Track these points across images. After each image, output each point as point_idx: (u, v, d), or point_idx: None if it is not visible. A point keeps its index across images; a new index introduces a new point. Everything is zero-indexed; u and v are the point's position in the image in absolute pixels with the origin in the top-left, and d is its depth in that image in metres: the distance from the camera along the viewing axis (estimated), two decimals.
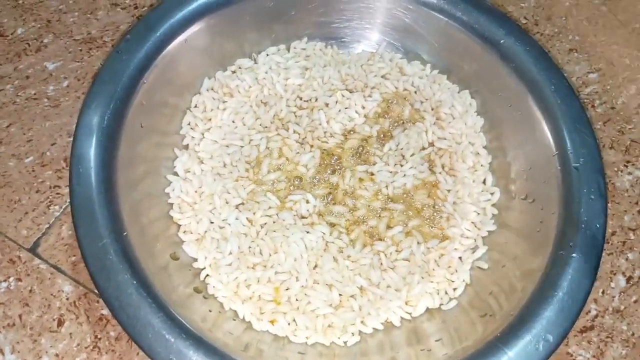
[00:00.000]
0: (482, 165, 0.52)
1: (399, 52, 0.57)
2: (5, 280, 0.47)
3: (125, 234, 0.40)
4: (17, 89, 0.56)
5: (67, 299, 0.47)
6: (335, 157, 0.51)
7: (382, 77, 0.56)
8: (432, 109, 0.54)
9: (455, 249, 0.48)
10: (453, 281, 0.47)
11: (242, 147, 0.51)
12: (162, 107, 0.50)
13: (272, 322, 0.44)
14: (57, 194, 0.51)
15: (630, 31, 0.65)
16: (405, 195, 0.50)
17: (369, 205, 0.49)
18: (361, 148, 0.52)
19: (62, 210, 0.50)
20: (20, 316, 0.46)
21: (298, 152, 0.51)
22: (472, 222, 0.49)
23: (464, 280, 0.47)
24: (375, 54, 0.57)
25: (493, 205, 0.50)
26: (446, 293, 0.47)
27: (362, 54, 0.58)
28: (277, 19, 0.55)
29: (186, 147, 0.51)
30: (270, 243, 0.46)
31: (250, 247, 0.46)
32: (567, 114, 0.47)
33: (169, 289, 0.41)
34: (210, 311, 0.43)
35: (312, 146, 0.51)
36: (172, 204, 0.48)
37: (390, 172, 0.50)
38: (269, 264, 0.46)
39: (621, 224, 0.53)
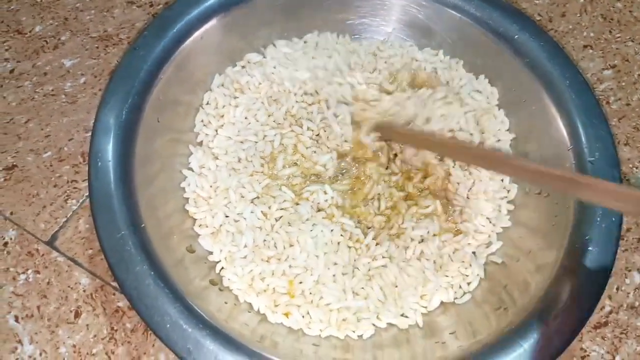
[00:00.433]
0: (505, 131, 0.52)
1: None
2: (23, 273, 0.48)
3: (142, 225, 0.41)
4: (35, 85, 0.57)
5: (84, 291, 0.47)
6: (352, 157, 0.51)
7: (392, 64, 0.56)
8: (456, 93, 0.54)
9: (469, 243, 0.48)
10: (467, 275, 0.47)
11: (256, 142, 0.51)
12: (176, 104, 0.50)
13: (286, 314, 0.44)
14: (75, 188, 0.51)
15: None
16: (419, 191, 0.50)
17: (386, 198, 0.49)
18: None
19: (79, 204, 0.51)
20: (38, 307, 0.46)
21: (315, 151, 0.51)
22: (487, 218, 0.49)
23: (478, 275, 0.47)
24: (385, 42, 0.57)
25: (509, 201, 0.50)
26: (460, 287, 0.47)
27: (372, 41, 0.57)
28: (290, 15, 0.55)
29: (200, 143, 0.51)
30: (285, 236, 0.46)
31: (265, 240, 0.47)
32: (581, 108, 0.47)
33: (186, 280, 0.41)
34: (225, 303, 0.44)
35: (328, 147, 0.51)
36: (187, 199, 0.48)
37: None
38: (284, 257, 0.46)
39: (636, 221, 0.53)
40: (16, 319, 0.46)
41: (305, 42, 0.56)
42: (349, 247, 0.47)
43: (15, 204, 0.50)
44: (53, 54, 0.59)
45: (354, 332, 0.44)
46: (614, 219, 0.42)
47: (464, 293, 0.47)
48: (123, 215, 0.40)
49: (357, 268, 0.46)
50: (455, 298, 0.46)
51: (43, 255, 0.48)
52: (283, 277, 0.45)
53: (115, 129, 0.43)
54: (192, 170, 0.50)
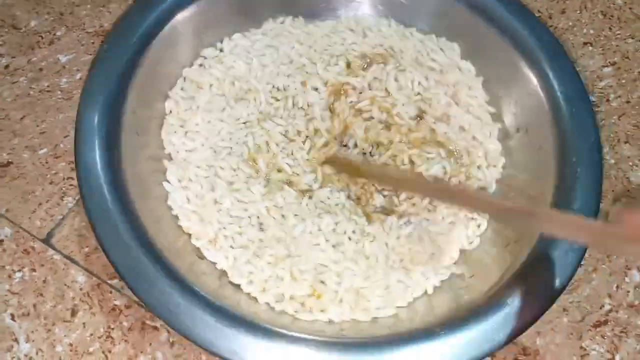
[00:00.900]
0: (483, 106, 0.54)
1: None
2: (19, 271, 0.47)
3: (150, 239, 0.41)
4: (31, 81, 0.56)
5: (81, 289, 0.47)
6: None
7: (350, 44, 0.56)
8: (414, 59, 0.55)
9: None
10: (475, 218, 0.48)
11: (231, 148, 0.50)
12: (150, 118, 0.50)
13: (322, 311, 0.44)
14: (71, 185, 0.51)
15: None
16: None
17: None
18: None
19: (75, 201, 0.50)
20: (34, 306, 0.46)
21: (284, 148, 0.50)
22: (482, 157, 0.51)
23: (484, 216, 0.49)
24: (338, 22, 0.57)
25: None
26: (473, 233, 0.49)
27: (325, 24, 0.57)
28: (243, 6, 0.55)
29: (169, 156, 0.50)
30: (290, 235, 0.46)
31: (268, 245, 0.46)
32: (542, 45, 0.51)
33: (203, 283, 0.42)
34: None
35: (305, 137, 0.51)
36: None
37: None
38: (294, 256, 0.46)
39: None
40: (12, 317, 0.45)
41: (263, 32, 0.55)
42: (355, 230, 0.47)
43: (10, 201, 0.50)
44: (48, 50, 0.58)
45: (378, 310, 0.45)
46: (593, 139, 0.47)
47: (476, 236, 0.48)
48: (129, 234, 0.41)
49: (386, 243, 0.47)
50: (470, 242, 0.48)
51: (39, 253, 0.48)
52: (304, 281, 0.45)
53: (100, 160, 0.43)
54: (172, 185, 0.48)
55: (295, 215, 0.48)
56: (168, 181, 0.48)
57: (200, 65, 0.53)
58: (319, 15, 0.57)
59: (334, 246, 0.46)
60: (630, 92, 0.59)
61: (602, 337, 0.48)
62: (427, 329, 0.40)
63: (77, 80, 0.56)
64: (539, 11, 0.64)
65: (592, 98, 0.59)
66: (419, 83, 0.54)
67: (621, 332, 0.48)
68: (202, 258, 0.46)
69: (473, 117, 0.53)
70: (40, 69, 0.57)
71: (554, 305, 0.47)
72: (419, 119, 0.52)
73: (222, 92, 0.52)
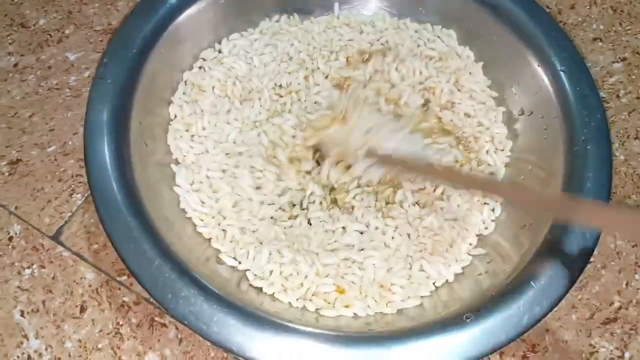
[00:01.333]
0: (483, 91, 0.54)
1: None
2: (29, 267, 0.48)
3: (173, 249, 0.41)
4: (40, 79, 0.56)
5: (90, 286, 0.47)
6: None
7: (347, 40, 0.56)
8: (410, 50, 0.55)
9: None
10: (488, 203, 0.49)
11: (240, 153, 0.50)
12: (155, 125, 0.50)
13: (346, 306, 0.44)
14: (80, 182, 0.51)
15: None
16: None
17: None
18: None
19: (84, 198, 0.51)
20: (43, 302, 0.46)
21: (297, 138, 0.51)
22: (490, 142, 0.52)
23: (497, 201, 0.49)
24: (332, 18, 0.57)
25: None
26: (488, 217, 0.49)
27: (320, 20, 0.57)
28: (240, 8, 0.55)
29: (176, 161, 0.50)
30: (311, 231, 0.47)
31: (288, 243, 0.46)
32: (538, 25, 0.51)
33: (223, 285, 0.42)
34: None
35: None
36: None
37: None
38: (315, 252, 0.46)
39: None
40: (22, 313, 0.46)
41: (261, 31, 0.56)
42: (378, 226, 0.48)
43: (20, 198, 0.50)
44: (57, 48, 0.58)
45: (402, 301, 0.45)
46: (599, 115, 0.47)
47: (491, 221, 0.49)
48: (150, 245, 0.40)
49: (408, 234, 0.47)
50: (486, 228, 0.48)
51: (48, 250, 0.48)
52: (326, 278, 0.45)
53: (112, 168, 0.43)
54: (183, 189, 0.48)
55: (316, 212, 0.48)
56: (179, 185, 0.48)
57: (200, 67, 0.53)
58: (313, 12, 0.57)
59: (356, 239, 0.47)
60: None
61: (612, 334, 0.47)
62: (453, 317, 0.40)
63: (85, 78, 0.57)
64: (547, 7, 0.63)
65: (602, 94, 0.58)
66: (420, 72, 0.54)
67: (631, 329, 0.48)
68: (221, 263, 0.45)
69: (477, 102, 0.53)
70: (49, 67, 0.57)
71: (563, 303, 0.47)
72: (425, 108, 0.53)
73: (226, 93, 0.52)
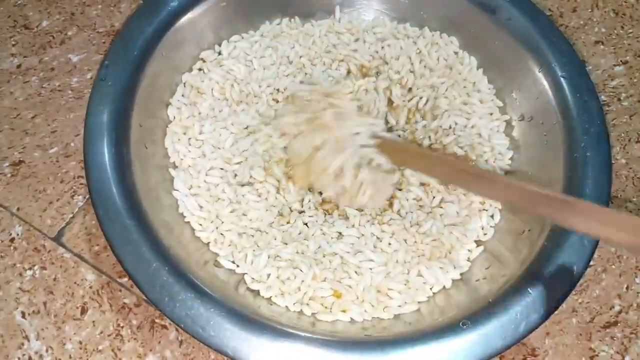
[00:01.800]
0: (491, 100, 0.54)
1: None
2: (30, 269, 0.48)
3: (171, 252, 0.41)
4: (42, 80, 0.57)
5: (90, 287, 0.47)
6: None
7: (350, 50, 0.56)
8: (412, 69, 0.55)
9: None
10: (486, 210, 0.49)
11: (237, 163, 0.49)
12: (155, 127, 0.50)
13: (343, 311, 0.44)
14: (81, 184, 0.51)
15: None
16: None
17: None
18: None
19: (85, 200, 0.51)
20: (44, 304, 0.46)
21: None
22: (490, 152, 0.51)
23: (496, 207, 0.49)
24: (334, 22, 0.57)
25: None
26: (487, 223, 0.49)
27: (323, 23, 0.57)
28: (241, 10, 0.55)
29: (174, 165, 0.50)
30: (308, 236, 0.47)
31: (286, 247, 0.46)
32: (540, 30, 0.51)
33: (221, 288, 0.42)
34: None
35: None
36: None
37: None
38: (312, 257, 0.46)
39: None
40: (23, 315, 0.46)
41: (262, 34, 0.56)
42: (374, 233, 0.48)
43: (22, 199, 0.50)
44: (60, 49, 0.58)
45: (399, 307, 0.45)
46: (599, 122, 0.47)
47: (490, 227, 0.49)
48: (149, 248, 0.40)
49: (405, 240, 0.47)
50: (485, 234, 0.48)
51: (49, 251, 0.48)
52: (323, 283, 0.45)
53: (111, 170, 0.43)
54: (181, 192, 0.48)
55: (313, 217, 0.48)
56: (177, 190, 0.48)
57: (200, 69, 0.53)
58: (314, 15, 0.57)
59: (353, 244, 0.47)
60: None
61: (612, 338, 0.47)
62: (450, 323, 0.40)
63: (87, 79, 0.57)
64: (549, 10, 0.63)
65: (603, 97, 0.58)
66: (421, 89, 0.54)
67: (631, 333, 0.48)
68: (219, 266, 0.46)
69: (479, 111, 0.53)
70: (52, 69, 0.57)
71: (563, 306, 0.47)
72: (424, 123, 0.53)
73: (224, 96, 0.52)
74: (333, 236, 0.47)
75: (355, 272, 0.45)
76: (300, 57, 0.55)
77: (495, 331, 0.39)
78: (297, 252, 0.46)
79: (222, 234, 0.47)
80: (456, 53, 0.56)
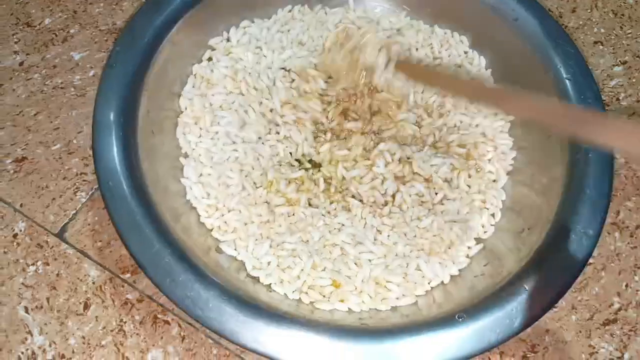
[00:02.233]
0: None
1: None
2: (33, 264, 0.48)
3: (174, 236, 0.42)
4: (45, 78, 0.57)
5: (93, 283, 0.47)
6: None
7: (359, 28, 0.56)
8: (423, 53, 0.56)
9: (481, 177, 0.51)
10: (488, 208, 0.49)
11: (250, 148, 0.50)
12: (165, 118, 0.50)
13: (341, 301, 0.45)
14: (84, 180, 0.52)
15: None
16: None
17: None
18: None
19: (88, 196, 0.51)
20: (47, 299, 0.47)
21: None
22: (493, 151, 0.52)
23: (497, 206, 0.49)
24: (347, 10, 0.57)
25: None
26: (487, 221, 0.49)
27: (336, 11, 0.57)
28: (251, 2, 0.55)
29: (185, 155, 0.50)
30: (310, 226, 0.47)
31: (287, 236, 0.47)
32: (546, 30, 0.51)
33: (221, 273, 0.42)
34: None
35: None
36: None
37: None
38: (313, 246, 0.46)
39: None
40: (26, 310, 0.46)
41: (276, 19, 0.56)
42: (374, 224, 0.48)
43: (25, 195, 0.51)
44: (62, 47, 0.59)
45: (397, 299, 0.45)
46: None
47: (490, 225, 0.49)
48: (155, 235, 0.41)
49: (404, 233, 0.47)
50: (485, 232, 0.49)
51: (52, 247, 0.49)
52: (323, 272, 0.45)
53: (119, 160, 0.43)
54: (191, 180, 0.49)
55: (315, 207, 0.48)
56: (187, 177, 0.49)
57: (209, 59, 0.54)
58: (328, 2, 0.58)
59: (354, 235, 0.47)
60: None
61: (611, 335, 0.48)
62: (445, 317, 0.41)
63: (90, 77, 0.57)
64: (549, 10, 0.64)
65: (603, 97, 0.58)
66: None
67: (630, 330, 0.48)
68: (220, 252, 0.46)
69: (485, 111, 0.53)
70: (54, 66, 0.57)
71: (563, 303, 0.48)
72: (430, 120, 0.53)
73: (235, 87, 0.52)
74: (335, 227, 0.47)
75: (355, 263, 0.46)
76: (313, 40, 0.55)
77: (489, 325, 0.40)
78: (300, 241, 0.46)
79: (225, 221, 0.47)
80: (466, 52, 0.56)
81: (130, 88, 0.46)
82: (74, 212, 0.50)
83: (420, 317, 0.43)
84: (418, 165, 0.50)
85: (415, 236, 0.48)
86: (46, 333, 0.45)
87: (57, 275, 0.48)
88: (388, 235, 0.47)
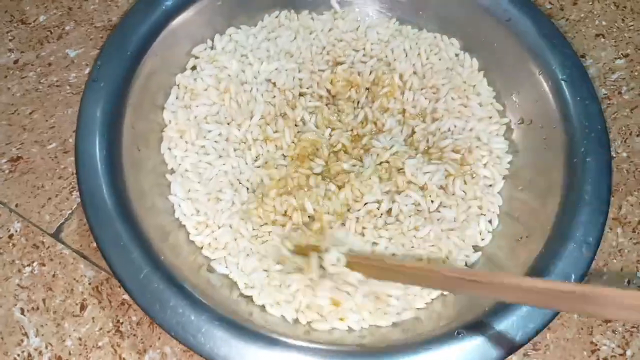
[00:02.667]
0: (490, 104, 0.53)
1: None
2: (29, 265, 0.48)
3: (162, 258, 0.41)
4: (40, 76, 0.56)
5: (90, 283, 0.47)
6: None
7: (348, 43, 0.55)
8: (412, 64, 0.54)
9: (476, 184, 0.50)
10: (485, 214, 0.48)
11: (232, 167, 0.49)
12: (150, 131, 0.49)
13: (341, 319, 0.43)
14: None
15: None
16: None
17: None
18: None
19: None
20: (44, 300, 0.46)
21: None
22: (488, 156, 0.51)
23: (494, 212, 0.49)
24: (334, 16, 0.56)
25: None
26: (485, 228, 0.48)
27: (322, 18, 0.56)
28: (236, 9, 0.54)
29: (172, 171, 0.49)
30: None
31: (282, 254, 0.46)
32: (540, 29, 0.50)
33: (213, 294, 0.42)
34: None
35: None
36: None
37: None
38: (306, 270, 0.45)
39: None
40: (22, 311, 0.46)
41: (263, 27, 0.55)
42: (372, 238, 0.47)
43: (20, 195, 0.50)
44: (57, 44, 0.58)
45: (398, 314, 0.44)
46: (599, 127, 0.47)
47: (488, 232, 0.48)
48: (140, 254, 0.40)
49: (402, 245, 0.47)
50: (482, 239, 0.48)
51: (48, 247, 0.48)
52: (321, 290, 0.44)
53: (103, 175, 0.42)
54: (178, 197, 0.47)
55: (312, 221, 0.47)
56: (174, 194, 0.47)
57: (193, 68, 0.52)
58: (316, 8, 0.56)
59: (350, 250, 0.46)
60: None
61: (613, 332, 0.47)
62: (445, 333, 0.40)
63: (85, 74, 0.56)
64: (550, 3, 0.63)
65: (604, 91, 0.58)
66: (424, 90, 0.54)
67: (632, 327, 0.47)
68: (212, 271, 0.45)
69: (479, 114, 0.52)
70: (49, 64, 0.57)
71: None
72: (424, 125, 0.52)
73: (219, 98, 0.51)
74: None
75: (355, 278, 0.45)
76: (301, 52, 0.54)
77: (490, 341, 0.39)
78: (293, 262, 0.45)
79: (216, 238, 0.46)
80: (457, 55, 0.55)
81: (113, 102, 0.45)
82: (70, 211, 0.50)
83: (421, 332, 0.42)
84: (411, 173, 0.48)
85: (413, 247, 0.47)
86: (42, 335, 0.45)
87: (53, 276, 0.47)
88: (386, 247, 0.46)
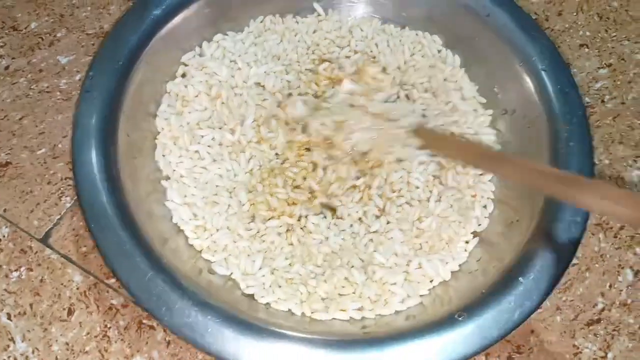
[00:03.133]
0: (473, 97, 0.55)
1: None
2: (16, 270, 0.48)
3: (164, 261, 0.41)
4: (30, 82, 0.56)
5: (77, 288, 0.47)
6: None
7: (332, 41, 0.56)
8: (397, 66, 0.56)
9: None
10: (479, 200, 0.50)
11: (227, 171, 0.50)
12: (144, 139, 0.50)
13: (342, 310, 0.44)
14: (69, 185, 0.51)
15: None
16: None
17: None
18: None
19: (73, 201, 0.51)
20: (31, 305, 0.46)
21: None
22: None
23: (489, 197, 0.50)
24: (319, 19, 0.57)
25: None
26: (481, 214, 0.50)
27: (310, 19, 0.57)
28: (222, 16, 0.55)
29: (167, 177, 0.49)
30: (304, 236, 0.47)
31: (281, 249, 0.47)
32: (518, 22, 0.52)
33: (216, 294, 0.42)
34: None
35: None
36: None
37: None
38: (308, 257, 0.46)
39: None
40: (9, 316, 0.46)
41: (250, 32, 0.56)
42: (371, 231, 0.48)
43: (9, 200, 0.50)
44: (49, 51, 0.58)
45: (402, 302, 0.45)
46: (580, 112, 0.48)
47: (484, 218, 0.49)
48: (144, 260, 0.41)
49: (403, 234, 0.48)
50: (479, 224, 0.49)
51: (36, 252, 0.48)
52: (323, 284, 0.45)
53: (102, 184, 0.43)
54: (175, 203, 0.48)
55: (312, 221, 0.48)
56: (171, 200, 0.48)
57: (183, 75, 0.53)
58: (300, 12, 0.58)
59: (350, 242, 0.47)
60: (625, 93, 0.60)
61: (595, 335, 0.48)
62: (445, 316, 0.41)
63: (76, 81, 0.57)
64: (535, 13, 0.64)
65: (588, 99, 0.59)
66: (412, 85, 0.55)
67: (614, 330, 0.48)
68: (213, 273, 0.46)
69: (463, 109, 0.54)
70: (40, 70, 0.57)
71: (547, 304, 0.48)
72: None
73: (210, 104, 0.52)
74: (330, 234, 0.47)
75: (356, 268, 0.46)
76: (287, 54, 0.55)
77: (490, 321, 0.40)
78: (294, 255, 0.46)
79: (215, 241, 0.47)
80: (439, 51, 0.57)
81: (107, 112, 0.46)
82: (59, 217, 0.50)
83: (424, 318, 0.43)
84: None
85: (414, 236, 0.48)
86: (29, 340, 0.45)
87: (41, 280, 0.47)
88: (388, 233, 0.48)
